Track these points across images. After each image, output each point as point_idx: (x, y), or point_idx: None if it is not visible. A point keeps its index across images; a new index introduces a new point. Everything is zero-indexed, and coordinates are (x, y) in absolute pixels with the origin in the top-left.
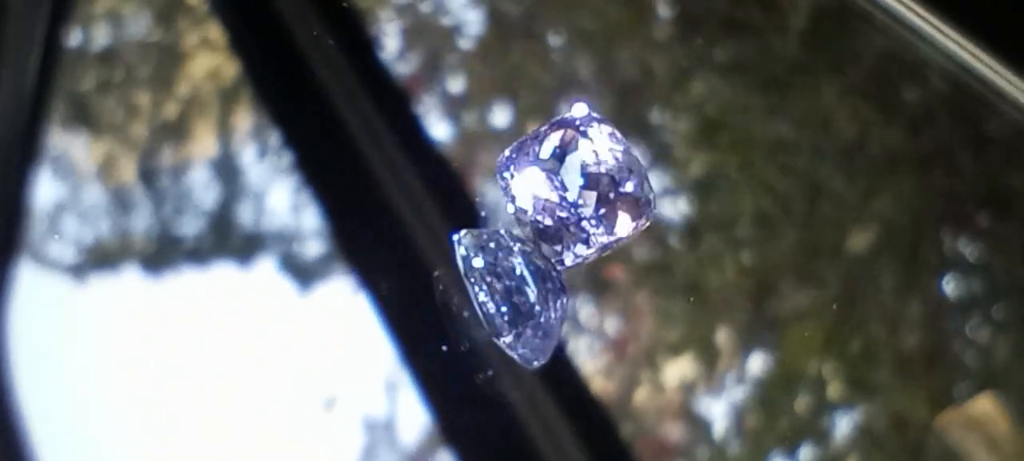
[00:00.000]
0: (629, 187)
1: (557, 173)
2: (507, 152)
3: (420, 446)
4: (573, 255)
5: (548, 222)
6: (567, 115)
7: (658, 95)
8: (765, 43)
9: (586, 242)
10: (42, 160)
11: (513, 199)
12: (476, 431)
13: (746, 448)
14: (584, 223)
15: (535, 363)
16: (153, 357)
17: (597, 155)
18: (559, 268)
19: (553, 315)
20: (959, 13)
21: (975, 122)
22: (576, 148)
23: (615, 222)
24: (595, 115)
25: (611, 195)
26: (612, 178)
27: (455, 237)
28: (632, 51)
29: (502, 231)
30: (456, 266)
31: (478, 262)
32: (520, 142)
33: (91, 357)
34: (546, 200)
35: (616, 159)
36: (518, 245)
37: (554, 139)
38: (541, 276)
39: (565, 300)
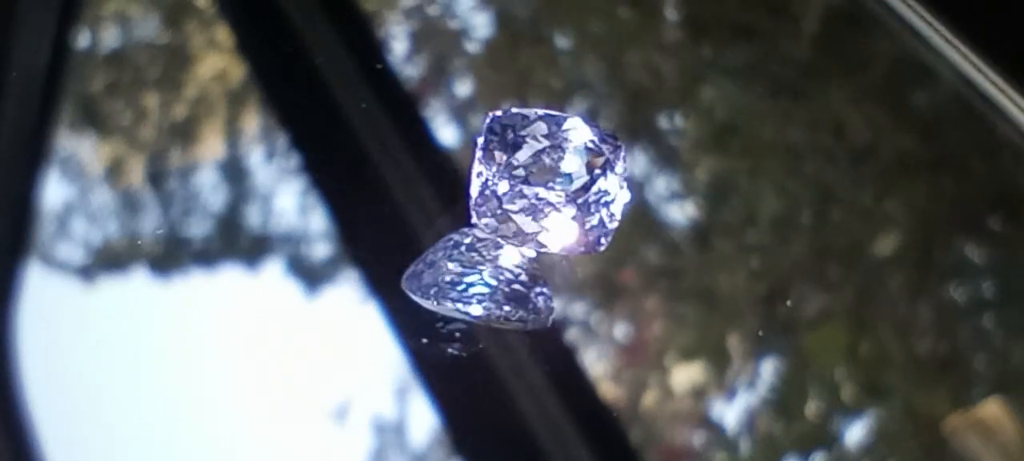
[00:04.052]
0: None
1: (588, 206)
2: (480, 219)
3: (430, 450)
4: (611, 221)
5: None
6: (503, 129)
7: (667, 99)
8: (776, 47)
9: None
10: (51, 161)
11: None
12: (486, 435)
13: (758, 453)
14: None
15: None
16: (161, 359)
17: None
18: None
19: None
20: (968, 22)
21: (986, 126)
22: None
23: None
24: (512, 111)
25: (596, 165)
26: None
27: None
28: (641, 55)
29: (438, 254)
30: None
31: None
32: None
33: (99, 359)
34: (586, 226)
35: (565, 136)
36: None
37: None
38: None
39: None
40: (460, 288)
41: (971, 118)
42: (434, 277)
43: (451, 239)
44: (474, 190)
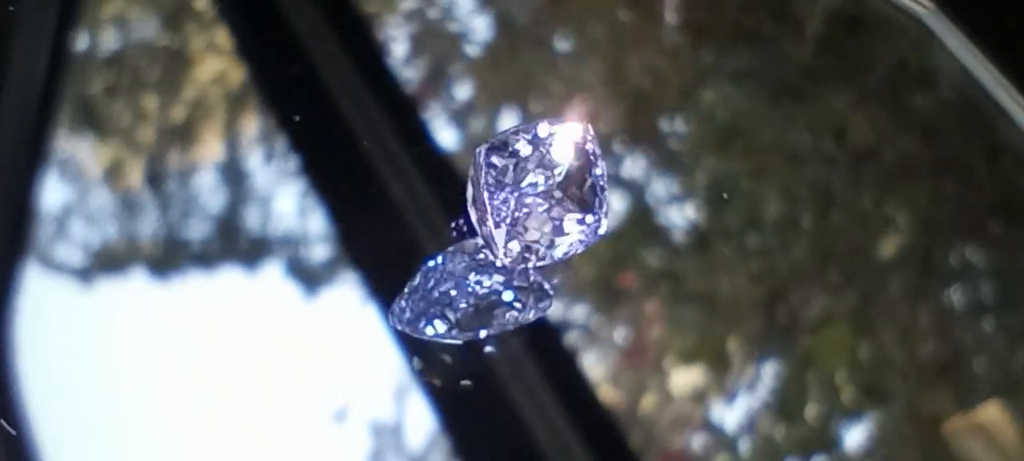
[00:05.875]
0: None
1: (579, 191)
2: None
3: (429, 453)
4: (603, 193)
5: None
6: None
7: (669, 102)
8: (777, 51)
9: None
10: (50, 163)
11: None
12: (485, 439)
13: (758, 456)
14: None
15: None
16: (160, 362)
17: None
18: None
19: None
20: (969, 25)
21: (988, 130)
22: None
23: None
24: (495, 139)
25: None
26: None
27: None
28: (642, 58)
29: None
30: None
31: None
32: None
33: (98, 361)
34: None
35: (521, 138)
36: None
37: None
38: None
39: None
40: (448, 313)
41: (973, 121)
42: (419, 308)
43: (428, 266)
44: (491, 223)
